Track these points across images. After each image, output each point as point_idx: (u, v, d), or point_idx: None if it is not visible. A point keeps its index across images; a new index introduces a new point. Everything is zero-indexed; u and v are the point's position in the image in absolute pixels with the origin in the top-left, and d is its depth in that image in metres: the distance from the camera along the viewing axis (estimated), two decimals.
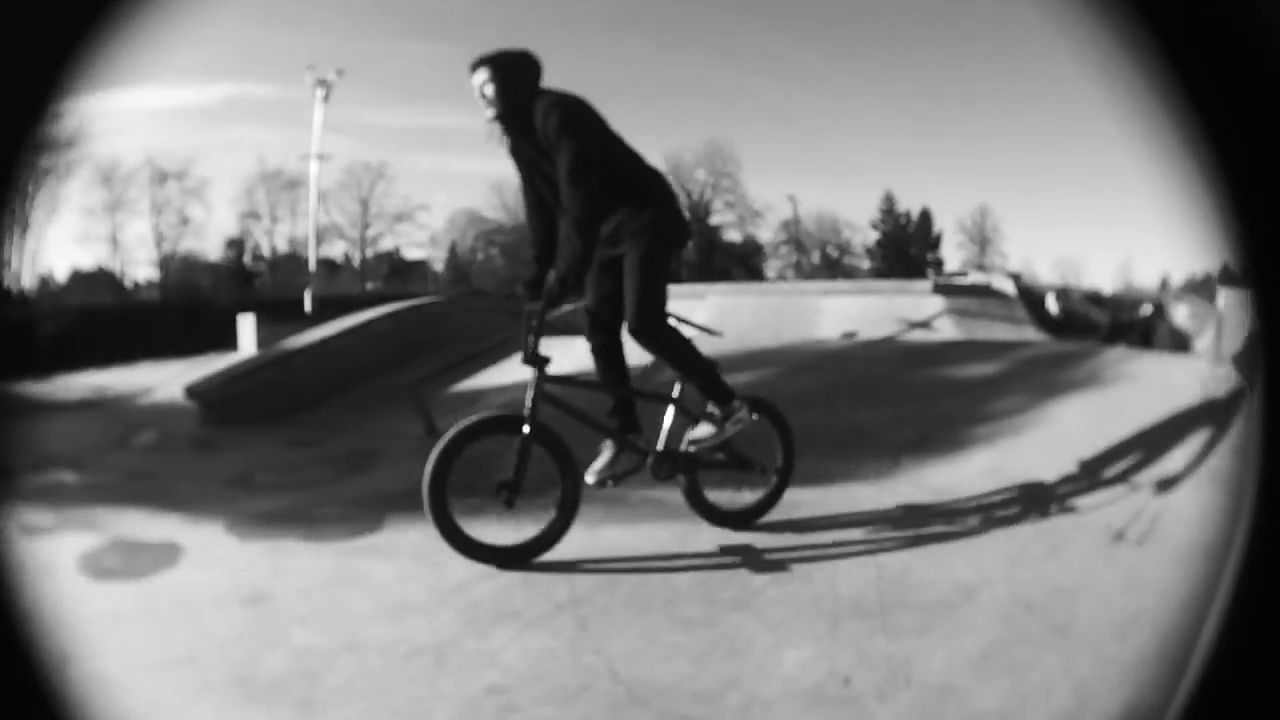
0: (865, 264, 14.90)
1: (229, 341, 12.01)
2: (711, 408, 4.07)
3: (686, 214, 4.29)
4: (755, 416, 4.09)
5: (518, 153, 4.03)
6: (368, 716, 2.44)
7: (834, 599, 2.99)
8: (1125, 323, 11.08)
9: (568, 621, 2.98)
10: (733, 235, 14.09)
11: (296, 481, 5.24)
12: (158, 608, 3.31)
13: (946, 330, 9.20)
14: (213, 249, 17.81)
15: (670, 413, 4.06)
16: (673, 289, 5.69)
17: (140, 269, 16.51)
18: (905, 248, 14.95)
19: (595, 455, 4.02)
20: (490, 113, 3.95)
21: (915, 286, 10.66)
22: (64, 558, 3.93)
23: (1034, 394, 5.34)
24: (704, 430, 4.05)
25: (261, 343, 10.48)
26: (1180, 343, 9.23)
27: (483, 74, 3.90)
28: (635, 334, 3.93)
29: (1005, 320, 9.89)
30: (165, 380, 9.81)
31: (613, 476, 4.03)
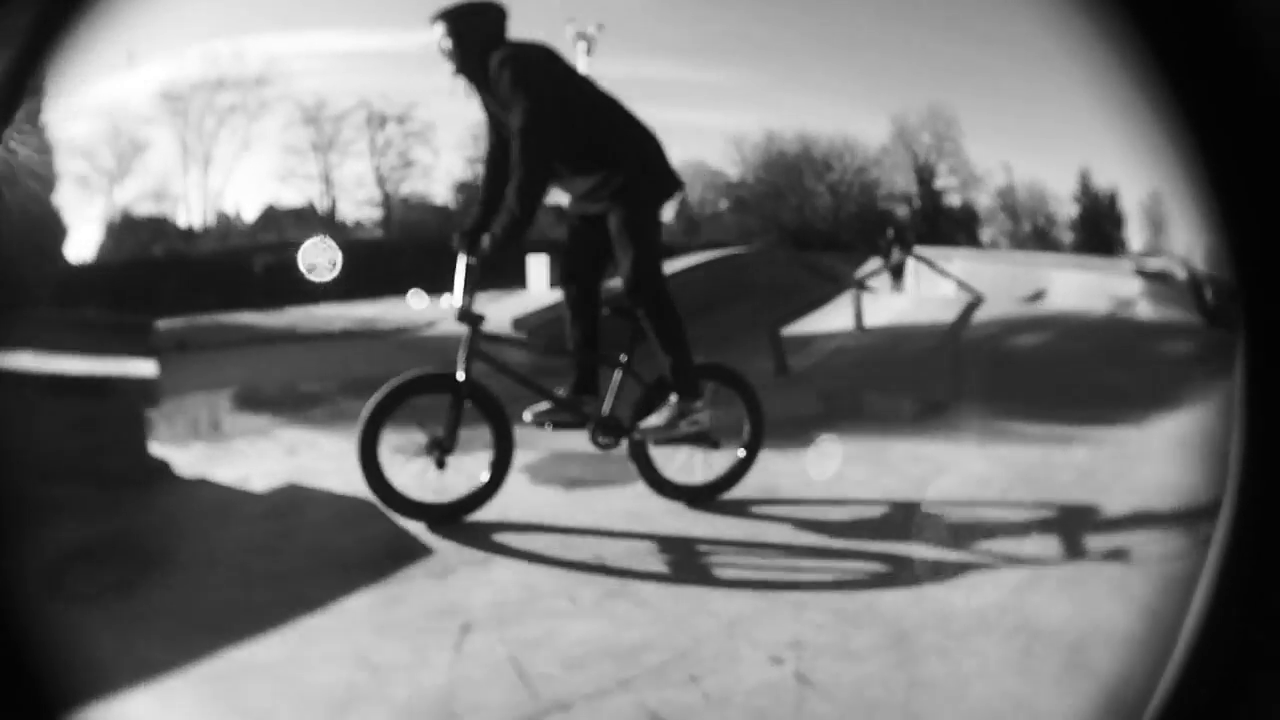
0: (1068, 237, 15.96)
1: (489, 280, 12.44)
2: (672, 398, 4.06)
3: (670, 164, 4.15)
4: (709, 420, 4.12)
5: (483, 104, 4.05)
6: None
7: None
8: None
9: None
10: (954, 200, 15.27)
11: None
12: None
13: (1143, 310, 10.93)
14: (440, 192, 18.17)
15: (618, 378, 4.14)
16: (925, 251, 7.09)
17: (357, 209, 17.29)
18: (1099, 224, 16.03)
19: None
20: (450, 67, 3.97)
21: (1120, 267, 12.31)
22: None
23: (1215, 372, 6.68)
24: (656, 421, 4.08)
25: (554, 282, 10.87)
26: None
27: (439, 29, 3.94)
28: (632, 295, 3.94)
29: (1180, 306, 11.40)
30: (447, 313, 10.74)
31: (550, 421, 4.12)
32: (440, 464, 3.90)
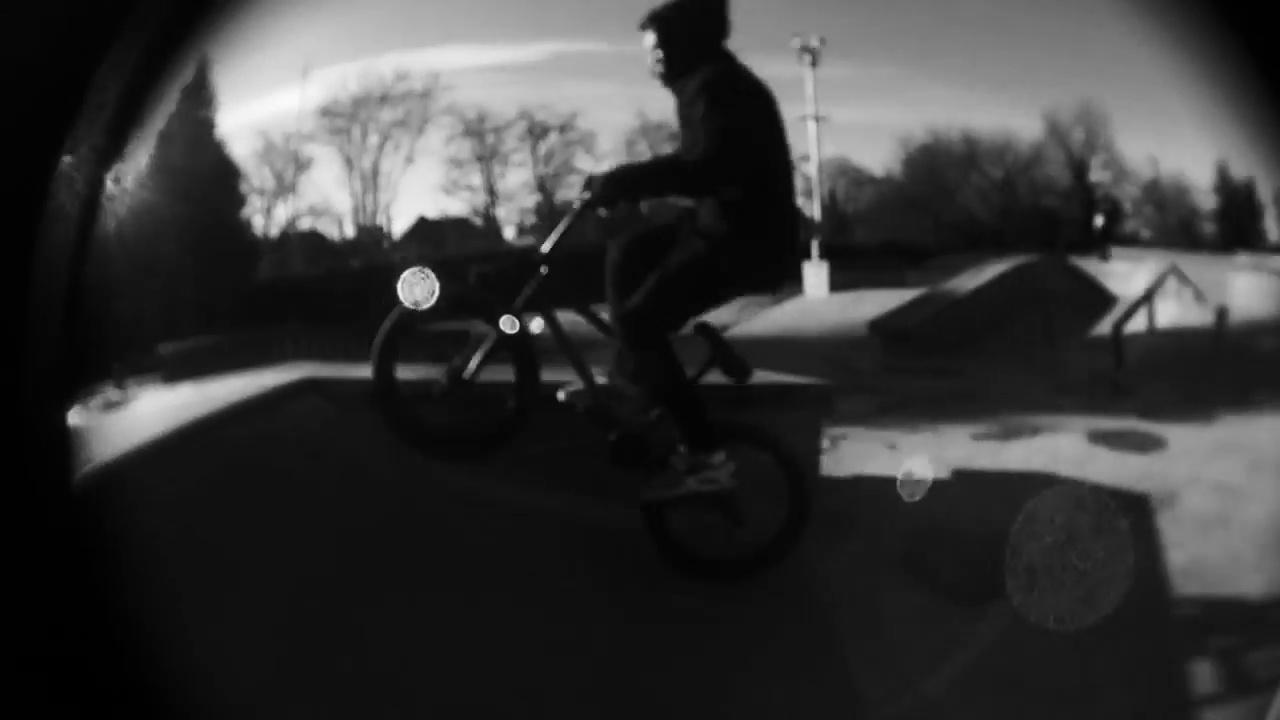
0: (1209, 229, 16.75)
1: None
2: (681, 452, 3.79)
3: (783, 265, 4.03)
4: (732, 479, 3.81)
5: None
6: None
7: None
8: None
9: None
10: (1106, 194, 15.80)
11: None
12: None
13: None
14: None
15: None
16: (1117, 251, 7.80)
17: (519, 217, 17.87)
18: (1237, 216, 16.86)
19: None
20: (659, 80, 3.87)
21: None
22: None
23: None
24: (664, 478, 3.79)
25: (834, 287, 12.04)
26: None
27: (649, 37, 3.83)
28: (617, 325, 3.78)
29: None
30: (728, 320, 10.59)
31: (578, 406, 3.93)
32: (445, 393, 3.87)
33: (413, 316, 3.84)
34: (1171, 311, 11.06)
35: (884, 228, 17.12)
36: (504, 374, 3.93)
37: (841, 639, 3.47)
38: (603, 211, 3.74)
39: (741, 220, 3.76)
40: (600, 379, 3.97)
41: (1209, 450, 5.30)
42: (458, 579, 3.54)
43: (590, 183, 3.70)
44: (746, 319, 11.38)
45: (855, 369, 6.96)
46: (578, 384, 3.93)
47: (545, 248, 3.84)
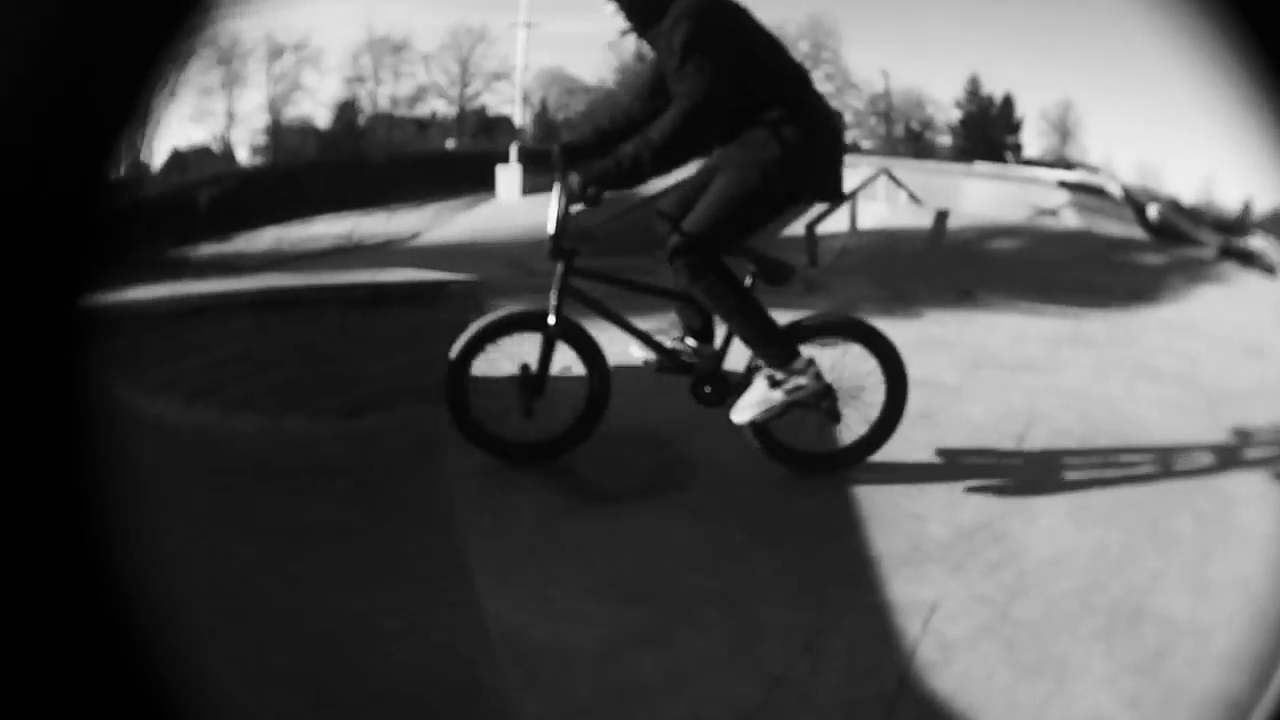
0: (948, 140, 16.67)
1: (412, 194, 13.56)
2: (767, 370, 3.67)
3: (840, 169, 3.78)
4: (819, 378, 3.67)
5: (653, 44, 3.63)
6: None
7: None
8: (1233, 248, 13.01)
9: None
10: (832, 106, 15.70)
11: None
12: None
13: (1069, 220, 11.97)
14: (321, 114, 19.28)
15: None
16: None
17: (254, 137, 18.30)
18: (987, 130, 16.81)
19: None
20: (623, 26, 3.60)
21: (1044, 177, 13.25)
22: None
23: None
24: (752, 399, 3.69)
25: (526, 191, 12.26)
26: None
27: None
28: (675, 254, 3.62)
29: (1117, 219, 12.53)
30: (420, 226, 12.13)
31: (653, 367, 3.88)
32: (528, 410, 3.78)
33: (479, 340, 3.81)
34: (877, 212, 11.38)
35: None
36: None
37: (471, 544, 3.24)
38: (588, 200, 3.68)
39: (783, 139, 3.57)
40: (669, 343, 3.91)
41: (911, 346, 4.75)
42: (114, 495, 2.58)
43: (575, 186, 3.60)
44: (439, 224, 12.24)
45: (534, 270, 6.35)
46: (645, 349, 3.91)
47: (550, 240, 3.77)
